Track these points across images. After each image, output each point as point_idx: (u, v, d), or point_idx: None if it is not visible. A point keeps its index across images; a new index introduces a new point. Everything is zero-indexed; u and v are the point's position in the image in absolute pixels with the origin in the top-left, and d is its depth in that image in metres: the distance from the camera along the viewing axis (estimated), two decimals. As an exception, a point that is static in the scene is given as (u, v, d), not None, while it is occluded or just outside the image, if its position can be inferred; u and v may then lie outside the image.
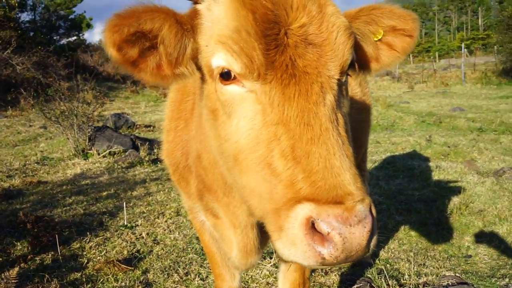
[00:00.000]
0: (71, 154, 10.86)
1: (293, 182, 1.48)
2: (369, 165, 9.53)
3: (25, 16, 47.21)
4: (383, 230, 5.99)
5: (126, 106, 21.46)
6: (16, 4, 26.83)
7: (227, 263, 3.14)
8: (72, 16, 38.46)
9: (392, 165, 9.73)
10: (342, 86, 1.78)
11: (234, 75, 1.66)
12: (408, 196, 7.43)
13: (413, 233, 5.95)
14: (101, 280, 4.64)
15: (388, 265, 4.91)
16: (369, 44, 2.08)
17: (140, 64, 1.75)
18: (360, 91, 3.59)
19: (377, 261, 5.03)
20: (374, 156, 10.63)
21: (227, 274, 3.23)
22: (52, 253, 5.19)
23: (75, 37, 39.19)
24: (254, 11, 1.60)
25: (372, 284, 4.34)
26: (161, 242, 5.68)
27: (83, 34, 39.67)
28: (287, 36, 1.61)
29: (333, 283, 4.53)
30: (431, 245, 5.57)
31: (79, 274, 4.75)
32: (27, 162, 10.35)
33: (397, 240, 5.67)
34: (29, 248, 5.29)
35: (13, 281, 3.95)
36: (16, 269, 4.01)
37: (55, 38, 37.73)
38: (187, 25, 1.80)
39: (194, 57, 1.84)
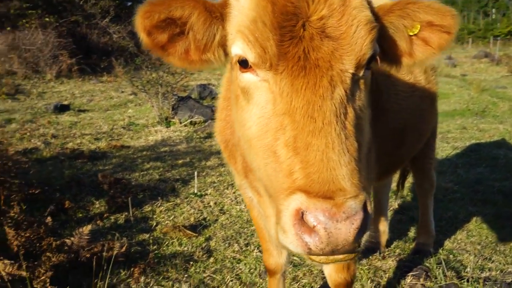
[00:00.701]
0: (154, 121, 11.39)
1: (291, 171, 1.54)
2: (449, 152, 9.16)
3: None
4: (452, 219, 5.79)
5: (213, 77, 21.92)
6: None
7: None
8: (168, -13, 39.56)
9: (476, 153, 9.26)
10: (359, 80, 1.78)
11: (250, 63, 1.72)
12: (487, 187, 7.07)
13: (484, 225, 5.69)
14: (166, 243, 4.92)
15: (451, 255, 4.77)
16: (403, 39, 2.03)
17: (169, 49, 1.85)
18: (424, 79, 3.48)
19: (440, 250, 4.89)
20: (458, 143, 10.16)
21: (274, 250, 3.32)
22: (126, 213, 5.56)
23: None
24: (274, 2, 1.64)
25: (429, 274, 4.25)
26: (227, 212, 5.88)
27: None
28: (304, 28, 1.63)
29: (389, 268, 4.49)
30: (502, 240, 5.31)
31: (147, 236, 5.07)
32: (115, 126, 10.99)
33: (466, 231, 5.46)
34: (106, 207, 5.70)
35: (85, 236, 4.31)
36: (89, 226, 4.37)
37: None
38: (216, 13, 1.85)
39: (223, 44, 1.90)
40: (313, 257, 1.54)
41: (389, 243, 5.08)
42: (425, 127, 3.65)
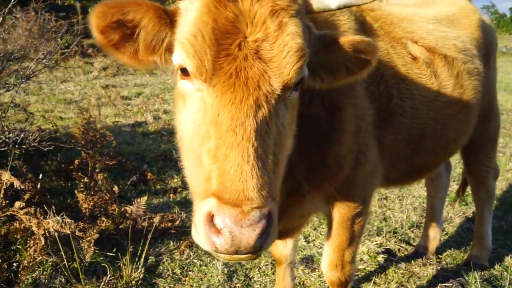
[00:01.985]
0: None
1: (209, 177, 1.72)
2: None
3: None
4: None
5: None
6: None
7: None
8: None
9: None
10: (285, 100, 1.90)
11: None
12: None
13: None
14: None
15: (505, 272, 4.46)
16: (339, 70, 2.21)
17: (120, 48, 2.02)
18: (452, 84, 3.30)
19: (496, 265, 4.59)
20: None
21: (278, 240, 3.47)
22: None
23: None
24: (215, 19, 1.77)
25: (465, 287, 4.05)
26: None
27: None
28: (240, 48, 1.76)
29: (426, 275, 4.36)
30: None
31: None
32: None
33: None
34: (181, 182, 6.22)
35: (142, 206, 4.82)
36: (145, 197, 4.87)
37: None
38: (166, 19, 1.99)
39: (170, 48, 2.04)
40: (219, 254, 1.73)
41: (442, 251, 4.89)
42: (452, 134, 3.48)
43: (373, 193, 3.18)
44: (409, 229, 5.41)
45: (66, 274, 3.87)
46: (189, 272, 4.35)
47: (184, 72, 1.88)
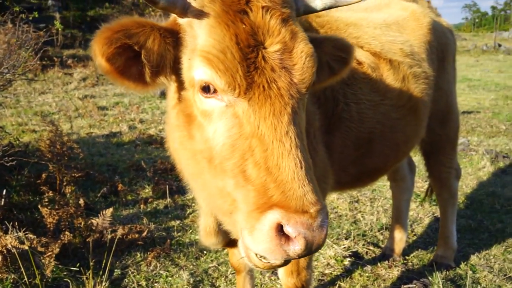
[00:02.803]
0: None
1: (266, 189, 1.73)
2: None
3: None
4: (499, 233, 5.38)
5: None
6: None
7: None
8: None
9: None
10: (304, 102, 1.98)
11: (214, 89, 1.84)
12: None
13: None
14: (191, 231, 5.28)
15: (471, 271, 4.49)
16: (321, 68, 2.22)
17: (125, 72, 1.92)
18: (399, 87, 3.33)
19: (462, 265, 4.62)
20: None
21: (235, 249, 3.47)
22: (167, 200, 6.01)
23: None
24: (237, 34, 1.78)
25: (428, 287, 4.08)
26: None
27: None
28: (264, 60, 1.79)
29: (391, 277, 4.38)
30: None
31: (177, 222, 5.47)
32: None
33: (505, 247, 5.05)
34: (151, 193, 6.21)
35: (107, 219, 4.80)
36: (111, 209, 4.84)
37: None
38: (170, 38, 1.95)
39: (173, 67, 2.00)
40: (258, 265, 1.83)
41: (409, 252, 4.92)
42: (401, 137, 3.51)
43: (325, 197, 3.20)
44: (379, 231, 5.44)
45: (27, 291, 3.84)
46: (155, 284, 4.32)
47: (205, 89, 1.85)
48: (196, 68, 1.85)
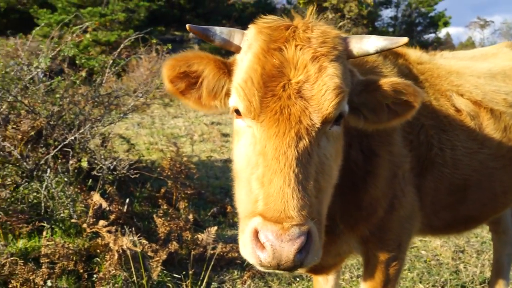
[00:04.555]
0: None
1: (257, 200, 1.98)
2: None
3: (388, 13, 50.11)
4: None
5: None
6: (372, 3, 29.13)
7: None
8: (432, 14, 39.03)
9: None
10: (327, 132, 2.17)
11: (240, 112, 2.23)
12: None
13: None
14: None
15: None
16: (380, 109, 2.42)
17: (186, 94, 2.40)
18: (499, 136, 3.30)
19: None
20: None
21: (320, 278, 3.64)
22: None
23: (432, 34, 39.83)
24: (264, 66, 2.11)
25: None
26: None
27: (439, 32, 39.93)
28: (284, 89, 2.07)
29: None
30: None
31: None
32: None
33: None
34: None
35: (212, 236, 5.20)
36: (215, 227, 5.24)
37: (413, 34, 38.95)
38: (225, 69, 2.37)
39: (228, 94, 2.38)
40: (263, 269, 1.96)
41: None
42: (499, 187, 3.44)
43: (410, 239, 3.26)
44: (480, 284, 5.21)
45: (134, 289, 4.33)
46: (245, 301, 4.61)
47: (237, 112, 2.18)
48: (231, 95, 2.22)
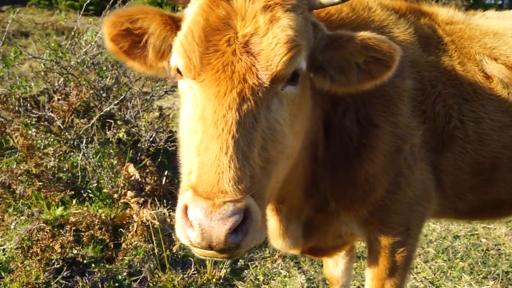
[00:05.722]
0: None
1: (191, 171, 1.74)
2: None
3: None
4: None
5: None
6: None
7: None
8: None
9: None
10: (280, 94, 1.88)
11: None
12: None
13: None
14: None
15: None
16: (349, 69, 2.09)
17: (130, 54, 2.12)
18: None
19: None
20: None
21: (329, 261, 3.34)
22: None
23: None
24: (207, 18, 1.84)
25: None
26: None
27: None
28: (228, 43, 1.80)
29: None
30: None
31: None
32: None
33: None
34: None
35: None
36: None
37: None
38: (172, 25, 2.09)
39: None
40: (195, 249, 1.70)
41: None
42: None
43: (422, 222, 2.87)
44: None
45: (155, 262, 4.28)
46: (271, 281, 4.41)
47: (179, 72, 1.92)
48: (173, 52, 1.94)
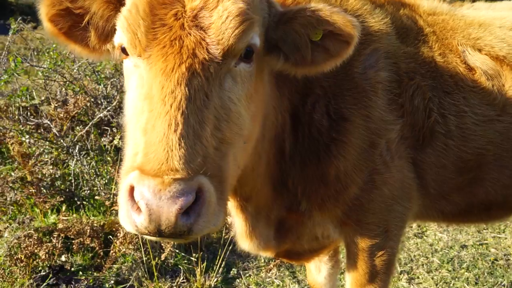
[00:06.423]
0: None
1: (137, 152, 1.60)
2: None
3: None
4: None
5: None
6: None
7: None
8: None
9: None
10: (232, 71, 1.77)
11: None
12: None
13: None
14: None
15: None
16: (304, 45, 1.97)
17: (71, 36, 1.97)
18: None
19: None
20: None
21: (312, 267, 3.18)
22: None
23: None
24: None
25: None
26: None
27: None
28: (176, 17, 1.69)
29: None
30: None
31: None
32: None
33: None
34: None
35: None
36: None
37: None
38: (116, 4, 1.89)
39: None
40: (147, 236, 1.55)
41: None
42: None
43: (402, 224, 2.69)
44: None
45: (143, 270, 4.17)
46: (263, 290, 4.25)
47: (124, 51, 1.80)
48: (117, 30, 1.80)
